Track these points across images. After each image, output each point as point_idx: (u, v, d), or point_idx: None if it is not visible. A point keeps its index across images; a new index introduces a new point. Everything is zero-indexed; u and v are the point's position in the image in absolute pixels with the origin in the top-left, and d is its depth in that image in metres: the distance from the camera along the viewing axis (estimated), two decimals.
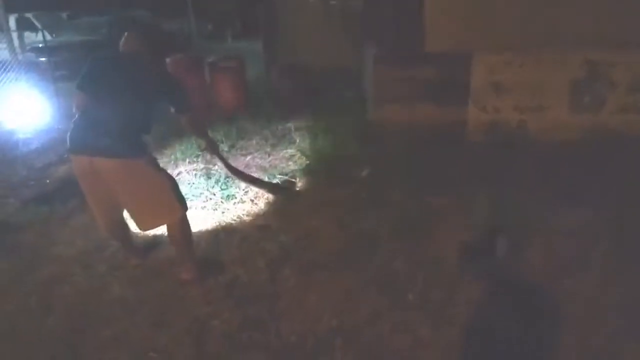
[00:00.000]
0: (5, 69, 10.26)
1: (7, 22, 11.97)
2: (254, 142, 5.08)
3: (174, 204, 2.49)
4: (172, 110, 2.65)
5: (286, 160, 4.58)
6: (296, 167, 4.28)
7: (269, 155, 4.68)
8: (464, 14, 4.29)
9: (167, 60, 6.67)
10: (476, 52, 4.34)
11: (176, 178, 3.19)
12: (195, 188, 3.85)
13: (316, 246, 3.06)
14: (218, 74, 6.67)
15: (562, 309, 2.37)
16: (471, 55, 4.36)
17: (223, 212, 3.51)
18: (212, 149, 3.19)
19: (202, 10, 16.04)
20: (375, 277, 2.71)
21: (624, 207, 3.14)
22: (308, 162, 4.22)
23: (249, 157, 4.63)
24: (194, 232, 2.89)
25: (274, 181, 3.97)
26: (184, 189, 3.22)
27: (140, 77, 2.44)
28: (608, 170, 3.59)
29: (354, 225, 3.24)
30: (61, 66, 10.40)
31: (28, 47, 11.28)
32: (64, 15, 13.66)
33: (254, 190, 3.79)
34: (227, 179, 3.95)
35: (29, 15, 12.25)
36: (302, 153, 4.54)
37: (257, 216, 3.46)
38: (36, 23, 12.20)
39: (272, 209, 3.56)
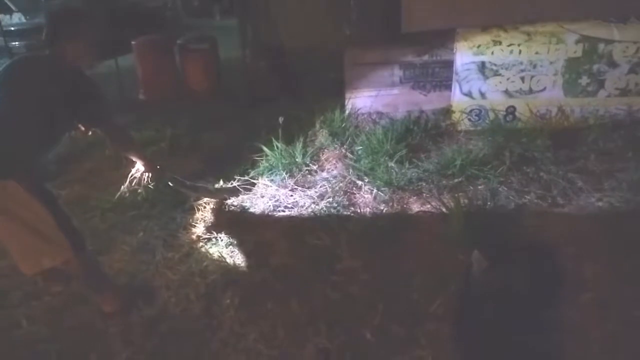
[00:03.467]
0: None
1: None
2: (220, 133, 4.62)
3: (61, 242, 2.00)
4: (78, 123, 2.19)
5: (252, 155, 4.13)
6: (260, 165, 3.83)
7: (233, 150, 4.23)
8: None
9: (133, 42, 6.21)
10: (459, 30, 3.83)
11: None
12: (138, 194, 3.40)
13: (266, 265, 2.65)
14: (188, 57, 6.18)
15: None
16: (454, 34, 3.85)
17: (167, 222, 3.10)
18: (149, 167, 2.67)
19: None
20: (329, 305, 2.31)
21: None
22: (272, 159, 3.76)
23: (211, 152, 4.20)
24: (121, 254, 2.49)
25: (230, 185, 3.52)
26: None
27: (31, 82, 2.00)
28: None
29: (312, 237, 2.83)
30: (36, 50, 9.89)
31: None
32: None
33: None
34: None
35: None
36: (269, 147, 4.08)
37: (206, 228, 3.04)
38: (10, 5, 11.61)
39: (225, 218, 3.14)
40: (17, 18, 11.60)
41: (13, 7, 11.78)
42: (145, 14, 11.90)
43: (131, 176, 2.73)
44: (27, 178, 1.92)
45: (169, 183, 2.93)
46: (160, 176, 2.82)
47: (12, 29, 10.35)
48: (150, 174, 2.71)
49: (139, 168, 2.68)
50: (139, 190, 2.98)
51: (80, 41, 2.12)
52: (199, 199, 3.29)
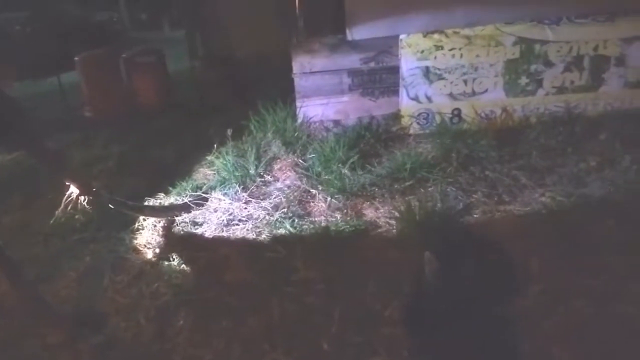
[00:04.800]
0: None
1: None
2: (170, 148, 4.51)
3: None
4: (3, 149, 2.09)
5: (203, 168, 4.06)
6: (212, 179, 3.76)
7: (184, 164, 4.14)
8: None
9: (75, 58, 5.99)
10: (403, 37, 3.91)
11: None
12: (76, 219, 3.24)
13: (221, 281, 2.59)
14: (134, 70, 6.03)
15: None
16: (398, 40, 3.93)
17: (115, 244, 2.98)
18: (85, 190, 2.55)
19: None
20: (285, 319, 2.28)
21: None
22: (224, 172, 3.70)
23: (159, 169, 4.08)
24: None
25: (181, 201, 3.43)
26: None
27: None
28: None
29: (268, 249, 2.80)
30: None
31: None
32: None
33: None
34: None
35: None
36: (221, 160, 4.02)
37: (157, 247, 2.94)
38: None
39: (177, 236, 3.06)
40: None
41: None
42: (90, 28, 11.55)
43: (66, 200, 2.59)
44: None
45: (110, 205, 2.81)
46: (97, 199, 2.69)
47: None
48: (86, 197, 2.59)
49: (73, 191, 2.55)
50: (76, 216, 2.84)
51: (2, 62, 2.06)
52: (146, 218, 3.18)
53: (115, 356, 2.15)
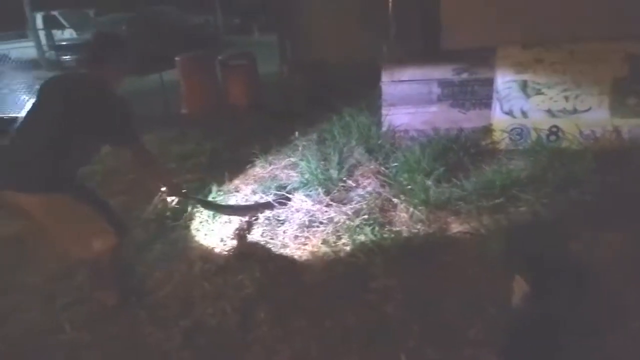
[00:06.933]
0: (30, 68, 10.30)
1: (34, 20, 12.22)
2: (257, 147, 4.68)
3: (108, 230, 2.30)
4: (109, 143, 2.36)
5: (287, 169, 4.18)
6: (295, 180, 3.85)
7: (270, 164, 4.29)
8: (485, 3, 3.74)
9: (176, 59, 6.43)
10: (500, 48, 3.77)
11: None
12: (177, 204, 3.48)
13: (299, 281, 2.65)
14: (228, 73, 6.36)
15: None
16: (495, 52, 3.80)
17: (206, 235, 3.16)
18: (173, 191, 2.70)
19: (228, 3, 15.81)
20: (362, 325, 2.28)
21: None
22: (307, 174, 3.78)
23: (248, 166, 4.27)
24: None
25: (264, 199, 3.55)
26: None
27: (71, 104, 2.12)
28: None
29: (347, 254, 2.82)
30: (84, 64, 10.39)
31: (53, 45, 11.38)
32: (91, 12, 13.70)
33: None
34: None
35: (55, 13, 12.33)
36: (305, 162, 4.11)
37: (241, 240, 3.08)
38: (62, 21, 12.28)
39: (261, 232, 3.17)
40: (69, 33, 12.28)
41: (65, 24, 12.48)
42: (188, 31, 12.35)
43: (160, 195, 2.81)
44: (68, 189, 2.14)
45: (197, 205, 3.02)
46: (185, 199, 2.86)
47: (64, 43, 10.95)
48: (175, 198, 2.77)
49: (164, 191, 2.71)
50: (167, 213, 3.17)
51: (116, 65, 2.28)
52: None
53: (201, 340, 2.27)
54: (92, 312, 2.53)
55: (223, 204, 3.37)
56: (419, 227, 3.01)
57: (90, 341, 2.33)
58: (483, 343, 2.10)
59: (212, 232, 3.19)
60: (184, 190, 2.84)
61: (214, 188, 3.70)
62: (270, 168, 4.21)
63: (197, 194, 3.48)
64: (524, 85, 3.84)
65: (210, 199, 3.55)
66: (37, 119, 2.20)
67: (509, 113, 3.91)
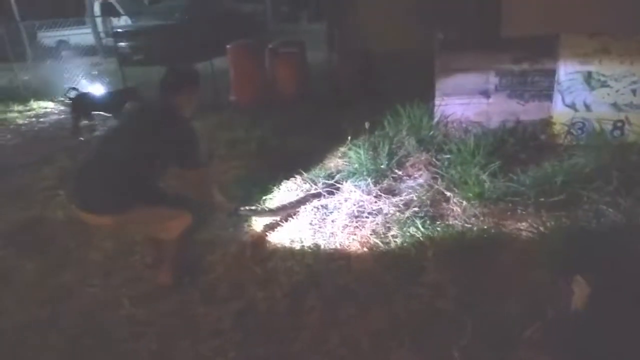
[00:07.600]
0: (87, 54, 10.72)
1: (92, 7, 12.74)
2: (305, 136, 4.70)
3: (183, 212, 2.48)
4: (177, 166, 2.43)
5: (336, 158, 4.16)
6: (344, 169, 3.83)
7: (317, 152, 4.29)
8: None
9: (227, 46, 6.51)
10: (564, 36, 3.58)
11: None
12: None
13: (349, 269, 2.65)
14: (277, 61, 6.38)
15: None
16: (557, 40, 3.61)
17: (256, 220, 3.20)
18: (223, 209, 2.89)
19: None
20: (412, 318, 2.25)
21: None
22: (357, 164, 3.75)
23: (295, 155, 4.28)
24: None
25: (314, 187, 3.55)
26: None
27: (148, 130, 2.33)
28: None
29: (396, 246, 2.78)
30: (139, 51, 10.73)
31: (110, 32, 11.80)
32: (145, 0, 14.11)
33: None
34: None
35: (111, 0, 12.77)
36: (354, 152, 4.08)
37: (291, 227, 3.10)
38: (119, 8, 12.71)
39: (310, 220, 3.18)
40: (124, 20, 12.70)
41: (121, 11, 12.90)
42: (238, 18, 12.47)
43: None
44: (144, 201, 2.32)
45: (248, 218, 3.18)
46: (231, 213, 2.97)
47: (119, 30, 11.32)
48: (223, 210, 2.91)
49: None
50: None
51: (190, 96, 2.46)
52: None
53: (252, 323, 2.31)
54: (147, 290, 2.63)
55: (273, 207, 3.41)
56: (472, 221, 2.92)
57: (148, 318, 2.42)
58: (539, 345, 2.02)
59: (263, 219, 3.23)
60: (235, 209, 2.94)
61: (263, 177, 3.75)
62: (319, 156, 4.21)
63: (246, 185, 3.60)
64: (588, 77, 3.63)
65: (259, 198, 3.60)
66: (115, 144, 2.37)
67: (571, 106, 3.72)
